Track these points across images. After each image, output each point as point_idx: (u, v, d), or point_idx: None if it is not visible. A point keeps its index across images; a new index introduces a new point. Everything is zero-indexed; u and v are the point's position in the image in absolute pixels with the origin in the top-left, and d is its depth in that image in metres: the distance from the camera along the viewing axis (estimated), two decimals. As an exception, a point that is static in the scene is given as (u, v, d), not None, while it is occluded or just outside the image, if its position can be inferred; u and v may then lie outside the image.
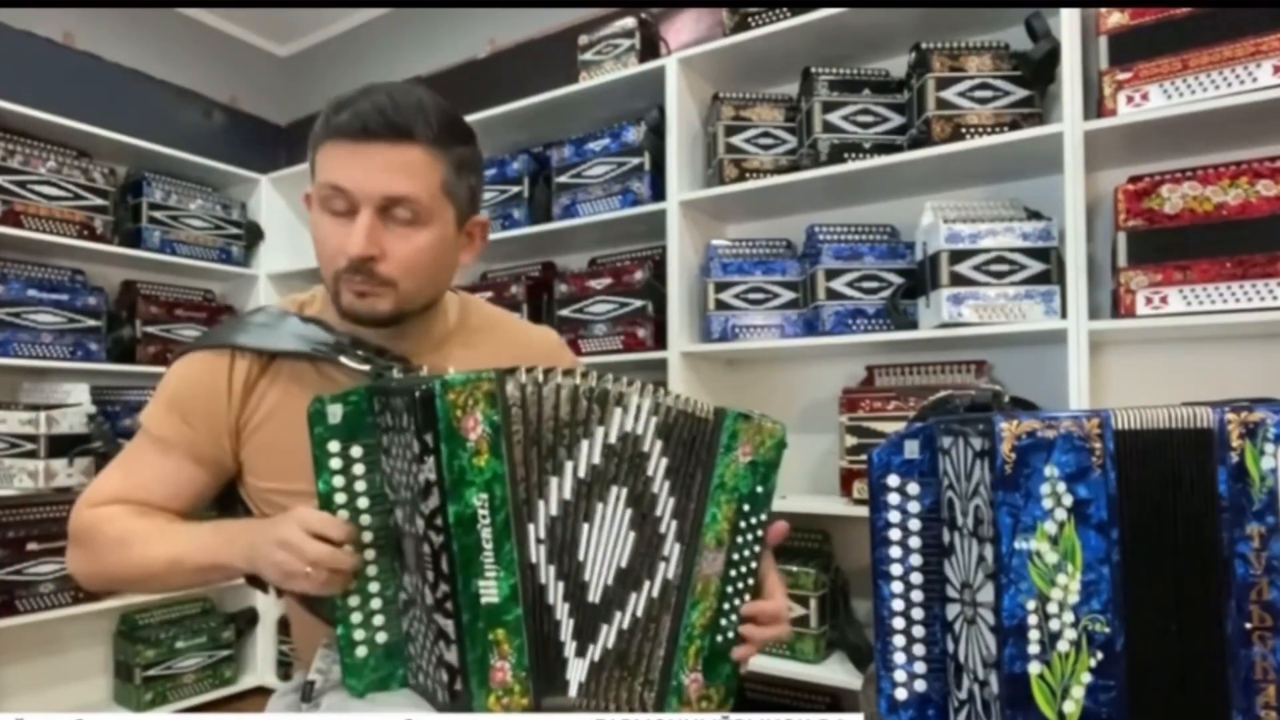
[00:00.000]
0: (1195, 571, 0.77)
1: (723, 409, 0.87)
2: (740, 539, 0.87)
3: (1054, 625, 0.75)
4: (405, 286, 0.90)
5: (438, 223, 0.91)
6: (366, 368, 0.91)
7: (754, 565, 0.88)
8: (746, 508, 0.87)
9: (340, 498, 0.81)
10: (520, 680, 0.76)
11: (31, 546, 2.20)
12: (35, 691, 2.40)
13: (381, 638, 0.83)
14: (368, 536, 0.82)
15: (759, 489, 0.87)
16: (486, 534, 0.75)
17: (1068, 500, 0.76)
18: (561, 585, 0.80)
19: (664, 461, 0.84)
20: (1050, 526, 0.76)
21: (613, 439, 0.82)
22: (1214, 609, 0.76)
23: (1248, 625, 0.75)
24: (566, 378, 0.81)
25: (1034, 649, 0.75)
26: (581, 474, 0.81)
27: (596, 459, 0.81)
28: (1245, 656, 0.75)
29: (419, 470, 0.76)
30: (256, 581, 0.95)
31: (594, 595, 0.82)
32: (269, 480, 0.96)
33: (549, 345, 1.17)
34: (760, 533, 0.88)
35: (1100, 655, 0.75)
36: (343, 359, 0.92)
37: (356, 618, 0.82)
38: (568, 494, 0.80)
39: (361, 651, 0.82)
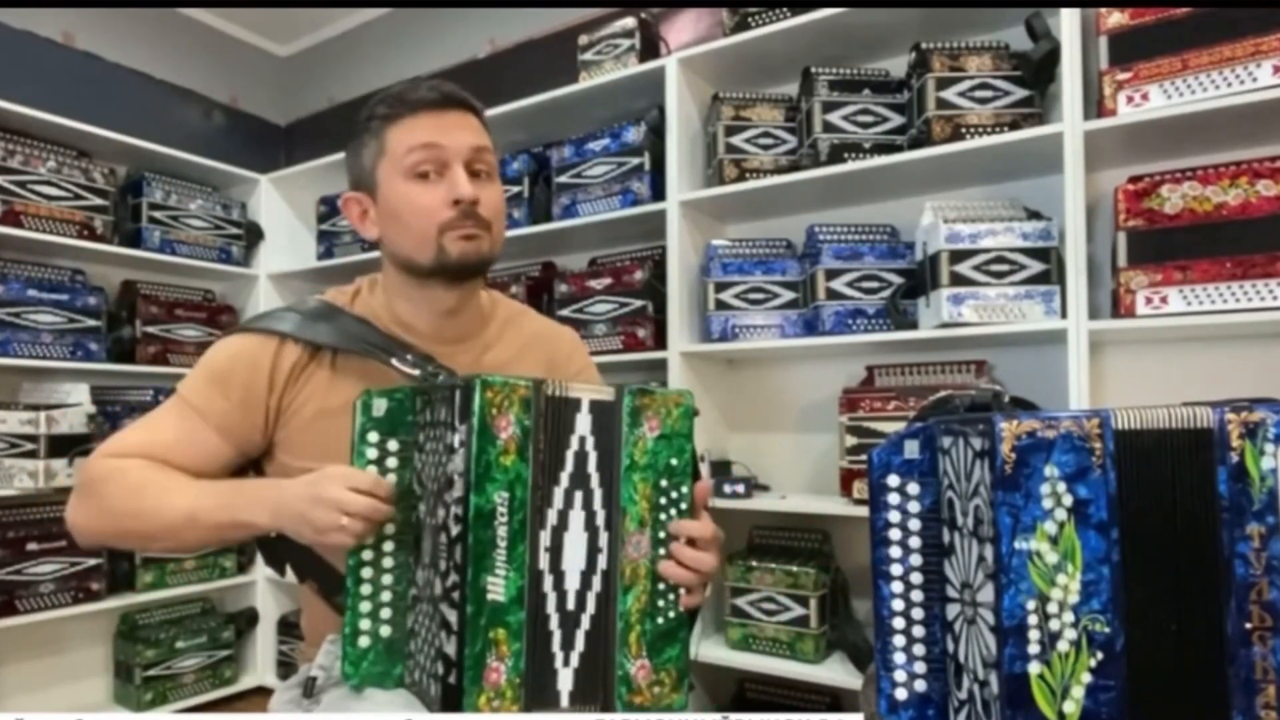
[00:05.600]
0: (1195, 571, 0.77)
1: (620, 386, 0.86)
2: (663, 515, 0.85)
3: (1054, 625, 0.75)
4: (496, 230, 1.02)
5: (498, 181, 1.05)
6: (416, 372, 0.96)
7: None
8: (664, 483, 0.85)
9: None
10: (514, 686, 0.77)
11: (31, 546, 2.20)
12: (35, 691, 2.40)
13: (385, 631, 0.84)
14: (389, 529, 0.84)
15: (673, 461, 0.85)
16: (502, 532, 0.78)
17: (1068, 500, 0.76)
18: (555, 595, 0.82)
19: (595, 456, 0.85)
20: (1050, 526, 0.76)
21: (576, 446, 0.84)
22: (1214, 609, 0.76)
23: (1248, 625, 0.75)
24: (562, 390, 0.83)
25: (1034, 649, 0.75)
26: (566, 484, 0.83)
27: (571, 468, 0.83)
28: (1245, 656, 0.75)
29: (449, 461, 0.79)
30: (271, 552, 0.98)
31: (571, 603, 0.83)
32: (305, 460, 0.96)
33: (568, 343, 1.21)
34: (684, 505, 0.86)
35: (1100, 655, 0.75)
36: (394, 361, 0.97)
37: (365, 607, 0.84)
38: (560, 504, 0.82)
39: (364, 642, 0.83)
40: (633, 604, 0.84)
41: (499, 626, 0.77)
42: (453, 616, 0.76)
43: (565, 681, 0.81)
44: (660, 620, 0.85)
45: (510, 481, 0.78)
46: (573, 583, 0.83)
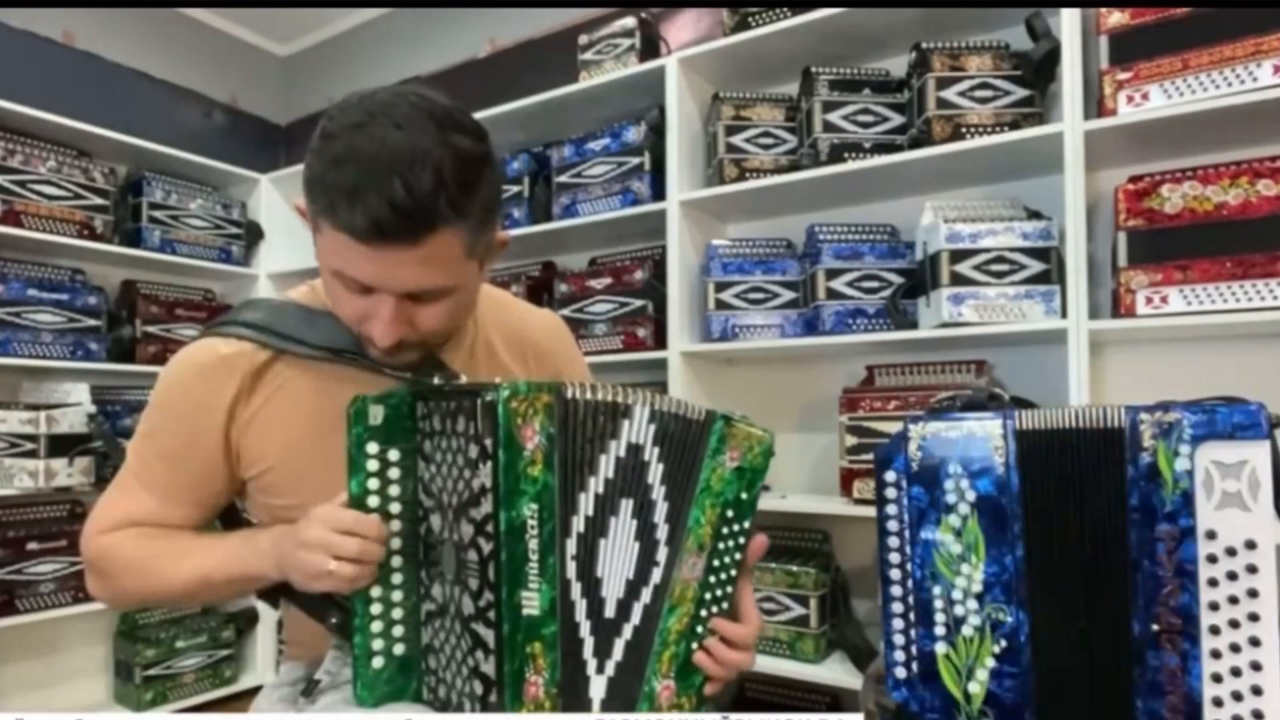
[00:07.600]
0: (1103, 571, 0.78)
1: (713, 411, 0.84)
2: (722, 545, 0.84)
3: (959, 611, 0.82)
4: (434, 340, 0.90)
5: (462, 286, 0.86)
6: (408, 375, 0.90)
7: (734, 574, 0.85)
8: (730, 514, 0.84)
9: (373, 500, 0.80)
10: (551, 697, 0.75)
11: (31, 546, 2.20)
12: (35, 691, 2.40)
13: (399, 649, 0.81)
14: (396, 543, 0.81)
15: (744, 496, 0.84)
16: (534, 545, 0.75)
17: (971, 496, 0.82)
18: (585, 603, 0.79)
19: (660, 468, 0.82)
20: (954, 520, 0.82)
21: (622, 452, 0.81)
22: (1122, 609, 0.77)
23: (1155, 627, 0.75)
24: (589, 392, 0.80)
25: (940, 630, 0.82)
26: (600, 489, 0.80)
27: (610, 473, 0.80)
28: (1153, 658, 0.75)
29: (472, 476, 0.75)
30: (269, 597, 0.93)
31: (609, 611, 0.81)
32: (258, 465, 0.92)
33: (552, 328, 1.14)
34: (742, 540, 0.84)
35: (1004, 643, 0.80)
36: (386, 371, 0.90)
37: (377, 626, 0.80)
38: (590, 510, 0.80)
39: (378, 663, 0.80)
40: (674, 624, 0.82)
41: (535, 640, 0.75)
42: (489, 636, 0.74)
43: (598, 689, 0.80)
44: (695, 647, 0.84)
45: (538, 493, 0.75)
46: (614, 591, 0.80)
